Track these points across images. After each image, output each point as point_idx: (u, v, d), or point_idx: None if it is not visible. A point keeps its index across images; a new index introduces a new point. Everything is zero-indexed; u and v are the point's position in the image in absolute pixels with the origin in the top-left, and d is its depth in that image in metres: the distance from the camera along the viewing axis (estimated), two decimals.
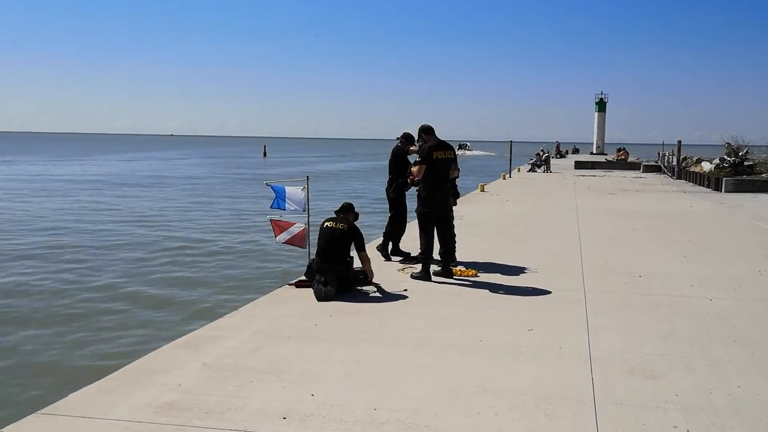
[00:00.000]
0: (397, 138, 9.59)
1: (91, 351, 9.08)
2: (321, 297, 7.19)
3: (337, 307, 6.97)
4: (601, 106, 75.23)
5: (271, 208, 8.40)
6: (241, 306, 7.24)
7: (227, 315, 6.69)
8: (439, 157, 8.19)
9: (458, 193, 9.67)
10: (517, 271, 8.94)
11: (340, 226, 7.58)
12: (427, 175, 8.19)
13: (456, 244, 9.46)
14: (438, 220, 8.35)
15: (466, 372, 5.03)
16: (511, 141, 34.86)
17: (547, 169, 39.06)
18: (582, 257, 10.02)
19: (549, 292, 7.70)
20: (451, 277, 8.39)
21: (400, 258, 9.58)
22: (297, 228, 8.24)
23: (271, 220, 8.32)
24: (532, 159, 40.87)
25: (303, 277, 7.82)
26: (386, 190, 9.74)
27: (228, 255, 16.57)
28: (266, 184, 8.30)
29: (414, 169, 8.32)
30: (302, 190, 8.25)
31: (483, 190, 23.07)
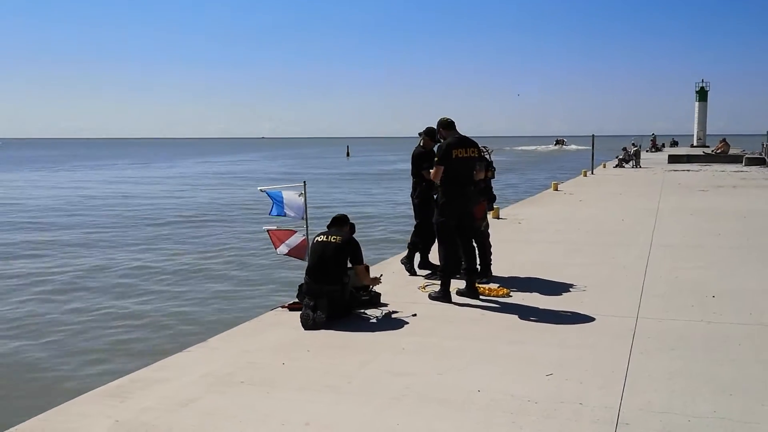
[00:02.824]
0: (420, 134, 8.26)
1: (21, 392, 7.76)
2: (308, 325, 6.07)
3: (323, 337, 5.83)
4: (702, 95, 70.40)
5: (270, 215, 7.38)
6: (220, 332, 6.24)
7: (190, 348, 5.66)
8: (460, 155, 6.90)
9: (494, 196, 8.32)
10: (561, 289, 7.53)
11: (332, 239, 6.44)
12: (445, 178, 6.93)
13: (492, 257, 8.18)
14: (460, 230, 7.07)
15: None
16: (593, 135, 32.60)
17: (636, 165, 36.50)
18: (647, 270, 8.46)
19: (591, 320, 6.28)
20: (478, 298, 7.08)
21: (428, 272, 8.32)
22: (297, 238, 7.19)
23: (268, 230, 7.29)
24: (619, 154, 38.35)
25: (297, 299, 6.73)
26: (411, 195, 8.50)
27: (234, 266, 15.19)
28: (261, 190, 7.26)
29: (431, 171, 7.07)
30: (299, 195, 7.17)
31: (557, 189, 21.35)
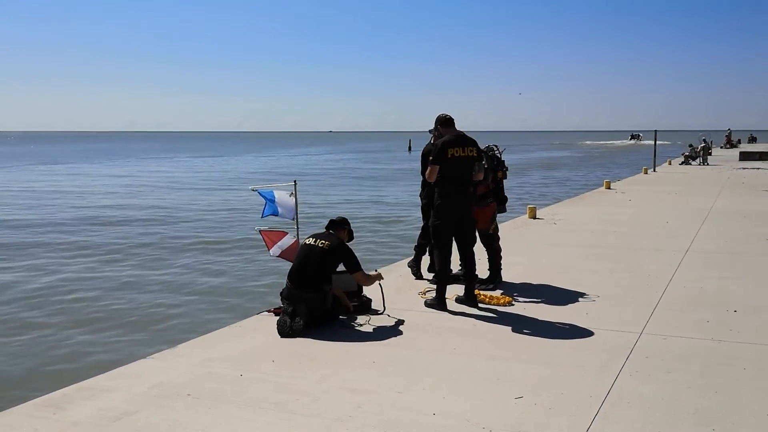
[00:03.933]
0: (430, 131, 7.82)
1: None
2: (285, 332, 5.79)
3: (294, 346, 5.55)
4: None
5: (263, 217, 7.15)
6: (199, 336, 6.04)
7: (155, 354, 5.47)
8: (456, 155, 6.49)
9: (505, 197, 7.84)
10: (570, 297, 7.04)
11: (320, 243, 6.13)
12: (441, 179, 6.54)
13: (502, 261, 7.74)
14: (458, 234, 6.67)
15: None
16: (655, 130, 31.36)
17: (703, 162, 34.91)
18: (672, 279, 7.85)
19: (590, 334, 5.79)
20: (476, 306, 6.67)
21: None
22: (288, 240, 6.93)
23: (260, 231, 7.05)
24: (686, 151, 36.76)
25: (281, 304, 6.47)
26: (419, 195, 8.10)
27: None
28: (252, 189, 7.04)
29: (426, 171, 6.69)
30: (290, 195, 6.92)
31: (608, 188, 20.51)
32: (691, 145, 36.27)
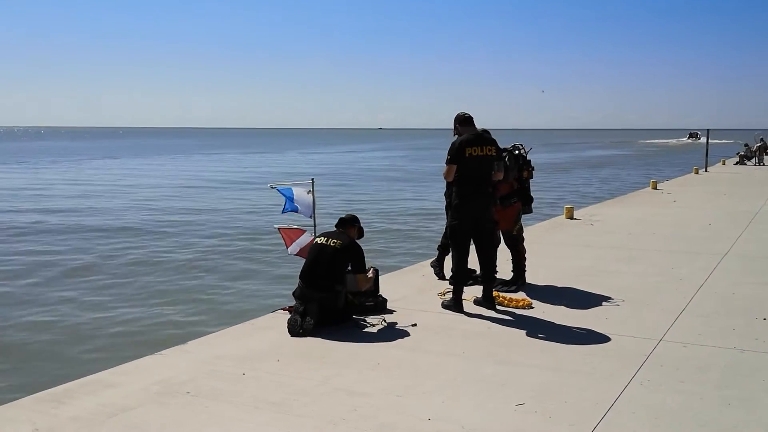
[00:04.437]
0: (454, 132, 7.68)
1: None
2: (295, 331, 5.76)
3: (302, 346, 5.52)
4: None
5: (282, 213, 7.15)
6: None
7: (164, 351, 5.49)
8: (474, 154, 6.36)
9: (531, 197, 7.66)
10: (593, 301, 6.83)
11: (332, 242, 6.08)
12: (459, 178, 6.42)
13: (526, 262, 7.58)
14: (476, 235, 6.54)
15: None
16: (708, 129, 30.40)
17: (760, 162, 33.76)
18: (704, 284, 7.55)
19: (606, 340, 5.60)
20: (494, 308, 6.54)
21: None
22: (306, 238, 6.91)
23: (279, 228, 7.06)
24: (740, 150, 35.59)
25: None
26: (445, 194, 7.98)
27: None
28: (271, 187, 7.04)
29: (443, 170, 6.58)
30: (308, 192, 6.90)
31: (655, 188, 19.96)
32: (746, 145, 35.12)
